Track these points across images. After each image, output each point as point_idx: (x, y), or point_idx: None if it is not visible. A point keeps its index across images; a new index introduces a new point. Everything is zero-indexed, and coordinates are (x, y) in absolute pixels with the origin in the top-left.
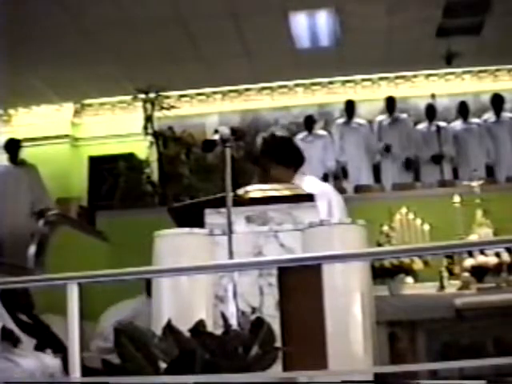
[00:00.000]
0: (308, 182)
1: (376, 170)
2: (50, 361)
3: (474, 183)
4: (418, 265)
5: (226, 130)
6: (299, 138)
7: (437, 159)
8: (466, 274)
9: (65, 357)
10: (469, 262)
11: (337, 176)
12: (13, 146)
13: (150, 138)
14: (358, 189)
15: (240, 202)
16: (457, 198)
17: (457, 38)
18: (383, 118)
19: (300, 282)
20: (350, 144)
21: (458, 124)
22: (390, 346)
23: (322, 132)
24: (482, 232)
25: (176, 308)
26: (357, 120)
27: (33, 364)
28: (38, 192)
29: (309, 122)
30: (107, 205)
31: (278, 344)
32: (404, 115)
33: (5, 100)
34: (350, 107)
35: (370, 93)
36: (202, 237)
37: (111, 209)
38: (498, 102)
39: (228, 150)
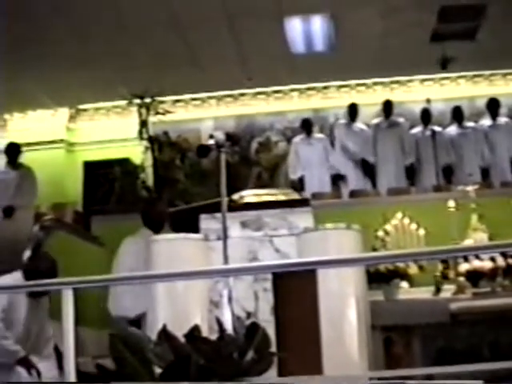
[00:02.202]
0: None
1: (372, 174)
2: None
3: (469, 188)
4: (413, 269)
5: (220, 135)
6: (296, 140)
7: (447, 170)
8: (461, 279)
9: (60, 361)
10: (464, 267)
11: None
12: (13, 150)
13: (145, 142)
14: (354, 194)
15: (235, 207)
16: (452, 203)
17: (451, 42)
18: (380, 121)
19: (295, 287)
20: (350, 147)
21: (453, 129)
22: (385, 351)
23: (321, 135)
24: (477, 237)
25: (171, 313)
26: (358, 124)
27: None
28: (24, 195)
29: (307, 125)
30: (102, 210)
31: (273, 349)
32: (401, 119)
33: (0, 105)
34: (353, 110)
35: (365, 97)
36: (197, 242)
37: (106, 214)
38: (493, 106)
39: (223, 155)
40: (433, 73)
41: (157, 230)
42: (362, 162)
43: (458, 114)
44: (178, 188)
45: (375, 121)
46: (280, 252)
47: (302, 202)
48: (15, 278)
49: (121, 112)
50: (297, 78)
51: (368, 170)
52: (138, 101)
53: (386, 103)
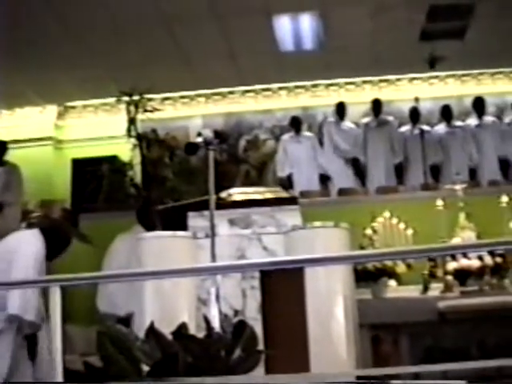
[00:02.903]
0: None
1: (361, 173)
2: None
3: (457, 187)
4: (400, 268)
5: (209, 133)
6: (285, 138)
7: (435, 169)
8: (449, 277)
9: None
10: (452, 265)
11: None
12: None
13: (133, 140)
14: (342, 192)
15: (223, 204)
16: (440, 202)
17: (440, 41)
18: (369, 120)
19: (283, 285)
20: (340, 145)
21: (441, 127)
22: (373, 349)
23: (309, 134)
24: (465, 235)
25: (159, 311)
26: (347, 123)
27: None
28: (11, 192)
29: (296, 123)
30: (91, 207)
31: (261, 347)
32: (390, 118)
33: None
34: (341, 109)
35: (353, 96)
36: (185, 240)
37: (95, 211)
38: (479, 105)
39: (211, 153)
40: (421, 72)
41: (151, 228)
42: (352, 160)
43: (446, 113)
44: (166, 186)
45: (365, 120)
46: (268, 250)
47: (290, 200)
48: (34, 233)
49: (109, 109)
50: (285, 76)
51: (358, 168)
52: (126, 98)
53: (374, 102)
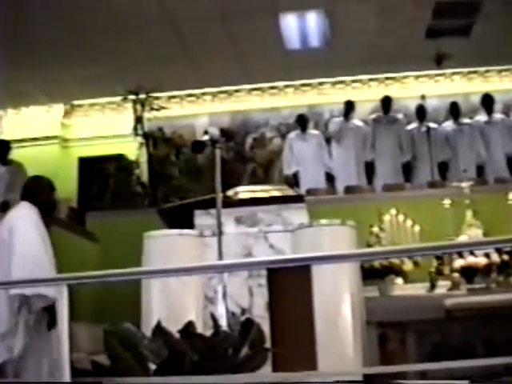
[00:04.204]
0: None
1: (368, 171)
2: None
3: (464, 184)
4: (407, 265)
5: (215, 131)
6: (291, 136)
7: (442, 166)
8: (456, 275)
9: None
10: (458, 263)
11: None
12: (1, 148)
13: (139, 139)
14: (349, 190)
15: (230, 203)
16: (447, 199)
17: (446, 39)
18: (379, 116)
19: (289, 283)
20: (346, 144)
21: (448, 125)
22: (379, 347)
23: (315, 131)
24: (472, 233)
25: (166, 309)
26: (354, 121)
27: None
28: (16, 191)
29: (302, 121)
30: (97, 206)
31: (268, 345)
32: (400, 115)
33: None
34: (349, 107)
35: (359, 94)
36: (192, 238)
37: (101, 210)
38: (488, 102)
39: (218, 151)
40: (428, 69)
41: None
42: (360, 158)
43: (454, 110)
44: (172, 184)
45: (373, 116)
46: (274, 248)
47: (297, 198)
48: (24, 206)
49: (116, 108)
50: (292, 74)
51: (365, 166)
52: (132, 97)
53: (385, 99)
